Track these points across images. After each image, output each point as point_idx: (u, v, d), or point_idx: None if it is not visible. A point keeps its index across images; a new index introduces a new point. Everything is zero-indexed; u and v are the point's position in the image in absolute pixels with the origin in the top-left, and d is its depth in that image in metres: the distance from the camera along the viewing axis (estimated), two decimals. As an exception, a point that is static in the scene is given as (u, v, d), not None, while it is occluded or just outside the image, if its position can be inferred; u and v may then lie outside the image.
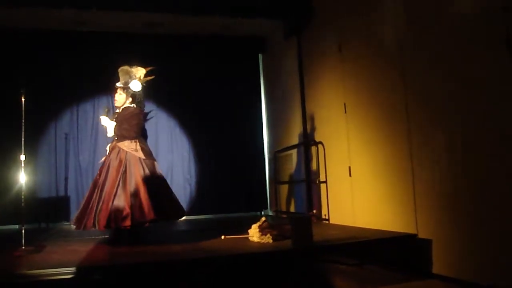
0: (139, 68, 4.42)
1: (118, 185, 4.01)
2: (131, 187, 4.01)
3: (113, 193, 3.96)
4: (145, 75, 4.46)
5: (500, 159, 3.04)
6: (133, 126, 4.26)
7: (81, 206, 4.13)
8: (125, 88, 4.36)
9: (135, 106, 4.39)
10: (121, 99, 4.39)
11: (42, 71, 6.83)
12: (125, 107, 4.39)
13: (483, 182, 3.18)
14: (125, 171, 4.08)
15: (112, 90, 4.63)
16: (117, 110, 4.44)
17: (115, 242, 4.09)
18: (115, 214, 3.89)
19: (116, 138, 4.29)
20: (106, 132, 4.37)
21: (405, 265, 3.85)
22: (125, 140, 4.22)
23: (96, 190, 4.07)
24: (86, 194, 4.22)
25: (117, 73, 4.39)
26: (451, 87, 3.46)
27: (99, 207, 3.94)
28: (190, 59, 7.55)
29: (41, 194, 6.72)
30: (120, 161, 4.12)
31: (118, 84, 4.38)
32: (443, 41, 3.54)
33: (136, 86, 4.37)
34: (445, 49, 3.53)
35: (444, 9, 3.53)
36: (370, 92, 4.64)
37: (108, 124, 4.32)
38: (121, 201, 3.94)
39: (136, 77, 4.38)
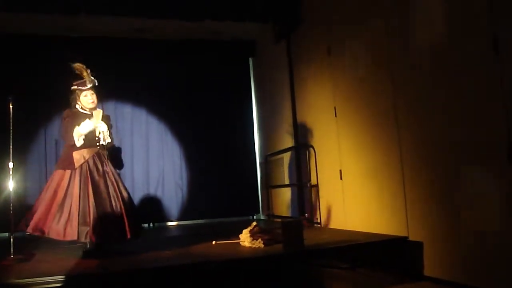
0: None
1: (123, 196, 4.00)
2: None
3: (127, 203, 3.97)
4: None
5: (493, 161, 3.06)
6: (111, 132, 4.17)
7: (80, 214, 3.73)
8: (95, 87, 4.09)
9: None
10: (96, 100, 4.10)
11: (31, 77, 6.75)
12: (103, 112, 4.15)
13: (473, 183, 3.20)
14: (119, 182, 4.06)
15: (71, 91, 4.10)
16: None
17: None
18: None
19: (99, 145, 4.05)
20: (101, 140, 4.02)
21: (396, 267, 3.86)
22: (106, 148, 4.12)
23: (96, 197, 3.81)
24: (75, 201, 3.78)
25: (80, 71, 4.03)
26: (440, 91, 3.48)
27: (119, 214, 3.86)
28: (180, 64, 7.53)
29: (31, 201, 6.59)
30: (113, 173, 4.05)
31: (88, 85, 4.02)
32: (430, 45, 3.57)
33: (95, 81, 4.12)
34: (433, 53, 3.55)
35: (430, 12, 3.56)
36: (360, 95, 4.65)
37: (106, 130, 4.04)
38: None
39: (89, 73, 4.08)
